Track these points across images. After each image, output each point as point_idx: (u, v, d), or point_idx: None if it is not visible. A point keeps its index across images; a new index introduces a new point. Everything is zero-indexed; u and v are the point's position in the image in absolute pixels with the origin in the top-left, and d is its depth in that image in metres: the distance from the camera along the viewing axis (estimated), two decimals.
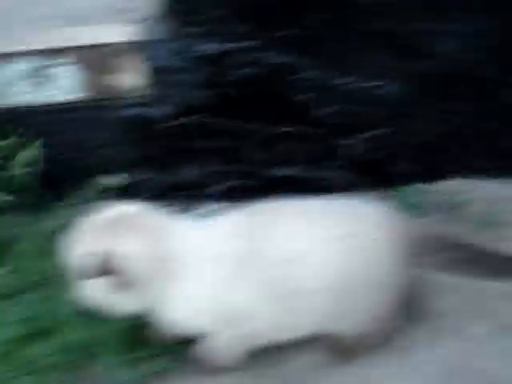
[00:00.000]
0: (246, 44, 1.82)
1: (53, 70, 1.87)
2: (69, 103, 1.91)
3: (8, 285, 1.76)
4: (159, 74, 1.89)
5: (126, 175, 1.89)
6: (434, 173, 2.06)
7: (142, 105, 1.92)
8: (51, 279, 1.81)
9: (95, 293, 1.49)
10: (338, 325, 1.56)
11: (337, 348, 1.61)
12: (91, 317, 1.64)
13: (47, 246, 1.86)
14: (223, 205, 2.06)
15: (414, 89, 1.92)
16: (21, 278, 1.78)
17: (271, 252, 1.49)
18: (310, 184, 2.02)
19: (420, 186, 2.04)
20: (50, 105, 1.92)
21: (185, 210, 2.02)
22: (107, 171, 1.86)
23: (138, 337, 1.66)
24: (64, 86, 1.89)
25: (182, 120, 1.93)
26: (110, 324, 1.68)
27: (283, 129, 1.90)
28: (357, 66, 1.86)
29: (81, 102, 1.91)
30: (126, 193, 2.00)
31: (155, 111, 1.93)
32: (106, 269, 1.43)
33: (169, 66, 1.86)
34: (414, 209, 1.96)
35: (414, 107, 1.95)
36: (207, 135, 1.95)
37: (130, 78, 1.88)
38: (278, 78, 1.87)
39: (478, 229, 1.90)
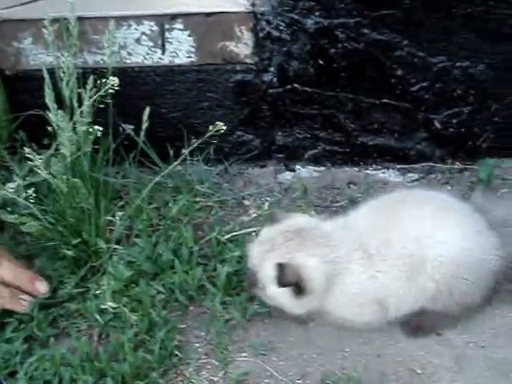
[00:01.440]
0: (347, 20, 1.93)
1: (166, 35, 1.99)
2: (180, 66, 2.04)
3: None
4: (266, 43, 1.99)
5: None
6: None
7: (249, 71, 2.04)
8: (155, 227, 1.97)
9: (275, 298, 1.66)
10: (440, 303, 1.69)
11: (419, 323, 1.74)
12: None
13: (156, 197, 2.04)
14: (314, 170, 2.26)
15: (502, 71, 1.99)
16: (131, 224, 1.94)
17: (401, 235, 1.65)
18: (396, 153, 2.15)
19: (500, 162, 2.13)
20: (161, 67, 2.04)
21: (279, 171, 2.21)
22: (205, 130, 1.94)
23: (238, 282, 1.80)
24: (176, 50, 2.02)
25: (282, 88, 2.05)
26: (208, 270, 1.84)
27: (375, 101, 2.03)
28: (451, 46, 1.95)
29: (191, 65, 2.03)
30: (225, 151, 2.18)
31: (260, 78, 2.05)
32: (292, 279, 1.58)
33: (275, 37, 1.97)
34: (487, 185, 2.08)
35: (502, 88, 2.03)
36: (304, 103, 2.06)
37: (239, 46, 2.00)
38: (374, 54, 1.98)
39: None
